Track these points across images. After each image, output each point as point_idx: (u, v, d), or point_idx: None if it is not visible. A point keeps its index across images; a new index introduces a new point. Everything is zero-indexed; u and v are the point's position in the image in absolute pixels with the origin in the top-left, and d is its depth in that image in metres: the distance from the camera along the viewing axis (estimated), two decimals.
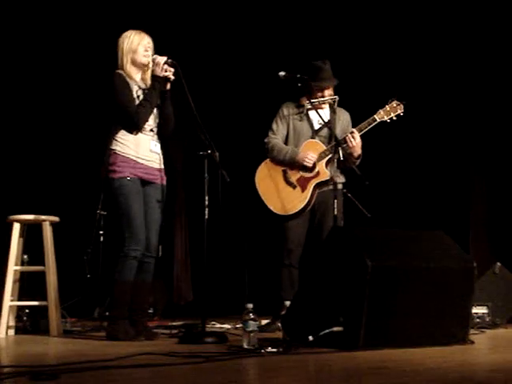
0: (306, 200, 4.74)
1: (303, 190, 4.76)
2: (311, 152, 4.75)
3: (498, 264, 5.22)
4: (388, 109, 4.73)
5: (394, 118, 4.74)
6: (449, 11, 6.52)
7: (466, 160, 6.76)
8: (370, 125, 4.72)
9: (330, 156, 4.70)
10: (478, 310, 4.81)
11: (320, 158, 4.75)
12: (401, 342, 3.33)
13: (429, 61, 6.66)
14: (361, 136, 4.71)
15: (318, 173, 4.76)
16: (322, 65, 4.84)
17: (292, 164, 4.80)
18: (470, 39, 6.59)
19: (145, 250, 4.07)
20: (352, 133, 4.70)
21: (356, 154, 4.75)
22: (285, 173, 4.83)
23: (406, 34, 6.70)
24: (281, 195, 4.78)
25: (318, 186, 4.78)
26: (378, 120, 4.72)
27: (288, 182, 4.81)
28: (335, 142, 4.59)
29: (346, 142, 4.68)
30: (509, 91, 6.47)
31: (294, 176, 4.81)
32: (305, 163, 4.73)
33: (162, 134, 4.25)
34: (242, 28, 7.00)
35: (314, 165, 4.75)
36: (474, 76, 6.64)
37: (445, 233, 3.82)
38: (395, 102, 4.73)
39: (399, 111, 4.73)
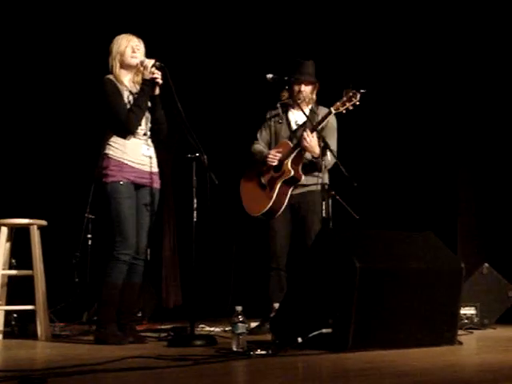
0: (272, 199, 4.75)
1: (271, 190, 4.79)
2: (280, 151, 4.77)
3: (486, 265, 5.23)
4: (344, 99, 4.60)
5: (351, 108, 4.60)
6: (430, 5, 6.51)
7: (453, 161, 6.78)
8: (326, 118, 4.68)
9: (294, 154, 4.71)
10: (467, 311, 4.83)
11: (286, 156, 4.76)
12: (390, 344, 3.35)
13: (418, 62, 6.67)
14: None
15: (283, 171, 4.78)
16: (304, 61, 4.85)
17: (264, 165, 4.83)
18: (460, 41, 6.60)
19: (134, 252, 4.07)
20: (302, 135, 4.66)
21: (315, 155, 4.69)
22: (260, 175, 4.87)
23: (394, 32, 6.71)
24: (253, 196, 4.86)
25: (287, 184, 4.76)
26: (334, 111, 4.64)
27: (261, 184, 4.85)
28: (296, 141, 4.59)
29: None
30: (498, 92, 6.49)
31: (266, 177, 4.85)
32: (268, 161, 4.77)
33: (157, 138, 4.24)
34: (229, 31, 7.00)
35: (282, 164, 4.76)
36: (464, 78, 6.66)
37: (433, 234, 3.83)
38: (351, 91, 4.58)
39: (354, 101, 4.57)
